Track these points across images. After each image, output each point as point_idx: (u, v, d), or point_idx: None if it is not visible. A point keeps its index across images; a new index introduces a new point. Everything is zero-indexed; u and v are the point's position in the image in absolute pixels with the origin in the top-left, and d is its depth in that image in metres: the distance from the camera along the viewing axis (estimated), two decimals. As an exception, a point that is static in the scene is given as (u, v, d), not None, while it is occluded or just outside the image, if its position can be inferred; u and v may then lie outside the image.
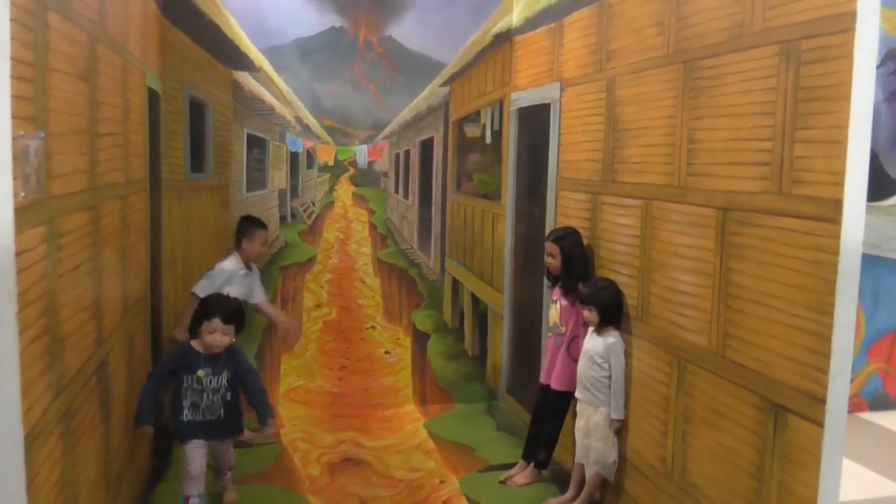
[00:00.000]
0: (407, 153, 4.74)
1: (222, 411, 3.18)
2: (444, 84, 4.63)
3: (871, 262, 3.73)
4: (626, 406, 3.17)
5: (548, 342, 3.71)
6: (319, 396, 4.57)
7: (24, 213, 1.67)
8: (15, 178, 1.58)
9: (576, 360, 3.39)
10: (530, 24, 4.26)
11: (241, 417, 3.30)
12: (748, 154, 2.39)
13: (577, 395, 3.34)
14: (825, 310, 2.07)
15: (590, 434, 3.26)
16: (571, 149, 3.73)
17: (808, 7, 2.13)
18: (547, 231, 3.85)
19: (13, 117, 1.57)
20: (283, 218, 4.57)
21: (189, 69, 4.12)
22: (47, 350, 1.87)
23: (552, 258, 3.52)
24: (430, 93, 4.61)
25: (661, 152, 2.90)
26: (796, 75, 2.18)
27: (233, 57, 4.26)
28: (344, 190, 4.69)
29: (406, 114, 4.63)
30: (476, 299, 4.84)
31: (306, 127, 4.52)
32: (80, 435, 2.20)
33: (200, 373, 3.12)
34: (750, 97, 2.38)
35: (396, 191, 4.78)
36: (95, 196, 2.42)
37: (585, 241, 3.49)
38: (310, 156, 4.59)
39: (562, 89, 3.83)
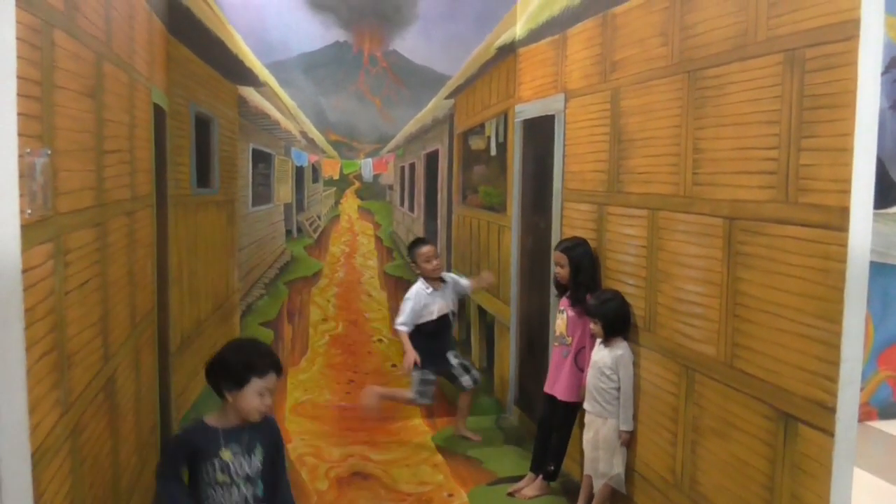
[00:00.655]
0: (412, 166, 4.74)
1: None
2: (448, 97, 4.64)
3: (878, 270, 3.71)
4: (635, 417, 3.15)
5: (552, 352, 3.70)
6: (327, 410, 4.57)
7: (30, 231, 1.67)
8: (22, 196, 1.59)
9: (583, 371, 3.38)
10: (534, 35, 4.27)
11: None
12: (754, 163, 2.38)
13: (585, 406, 3.32)
14: (833, 318, 2.05)
15: (598, 446, 3.24)
16: (577, 160, 3.73)
17: (813, 15, 2.12)
18: (553, 242, 3.85)
19: (20, 135, 1.58)
20: (288, 232, 4.58)
21: (194, 85, 4.14)
22: (55, 367, 1.87)
23: (560, 268, 3.51)
24: (435, 106, 4.63)
25: (666, 162, 2.89)
26: (801, 83, 2.18)
27: (238, 72, 4.29)
28: (349, 203, 4.70)
29: (411, 127, 4.64)
30: (483, 311, 4.83)
31: (311, 141, 4.54)
32: (87, 452, 2.19)
33: (226, 454, 2.30)
34: (755, 106, 2.38)
35: (402, 204, 4.79)
36: (102, 212, 2.43)
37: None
38: (315, 170, 4.61)
39: (566, 100, 3.83)
